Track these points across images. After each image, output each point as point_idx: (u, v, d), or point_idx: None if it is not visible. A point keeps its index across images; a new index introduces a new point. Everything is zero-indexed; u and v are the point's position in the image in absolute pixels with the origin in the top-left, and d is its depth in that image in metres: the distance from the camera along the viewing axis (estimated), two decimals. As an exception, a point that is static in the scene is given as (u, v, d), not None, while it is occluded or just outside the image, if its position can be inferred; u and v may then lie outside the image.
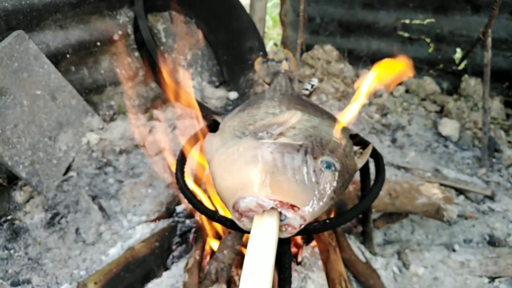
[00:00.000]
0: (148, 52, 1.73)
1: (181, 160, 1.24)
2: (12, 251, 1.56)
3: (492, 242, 1.69)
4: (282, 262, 1.01)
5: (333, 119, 1.15)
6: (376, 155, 1.25)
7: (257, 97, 1.27)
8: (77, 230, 1.59)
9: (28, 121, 1.69)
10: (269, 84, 1.51)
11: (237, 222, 0.82)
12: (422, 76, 2.82)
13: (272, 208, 0.76)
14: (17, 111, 1.65)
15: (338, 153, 0.90)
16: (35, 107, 1.73)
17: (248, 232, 0.77)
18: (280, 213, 0.77)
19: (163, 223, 1.60)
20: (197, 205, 1.06)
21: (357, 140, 1.28)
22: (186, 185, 1.13)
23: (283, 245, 1.00)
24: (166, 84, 1.85)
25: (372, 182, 1.15)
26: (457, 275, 1.53)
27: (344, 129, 1.09)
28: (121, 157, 1.95)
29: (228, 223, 0.98)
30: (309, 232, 0.96)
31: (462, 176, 2.00)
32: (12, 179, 1.79)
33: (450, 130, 2.32)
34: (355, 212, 1.03)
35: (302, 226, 0.80)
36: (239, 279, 1.33)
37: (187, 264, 1.35)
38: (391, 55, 2.78)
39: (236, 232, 1.28)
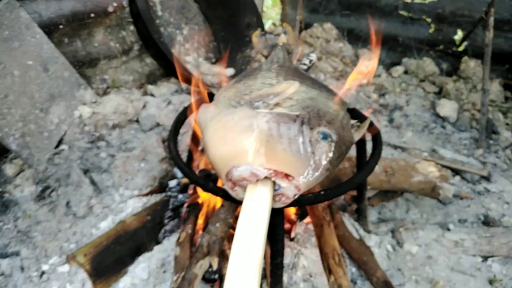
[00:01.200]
0: (144, 23, 1.69)
1: (174, 131, 1.21)
2: (1, 224, 1.53)
3: (487, 222, 1.68)
4: (275, 234, 0.99)
5: (330, 92, 1.12)
6: (373, 129, 1.22)
7: (254, 69, 1.23)
8: (67, 203, 1.57)
9: (19, 92, 1.65)
10: (266, 57, 1.48)
11: (230, 191, 0.80)
12: (422, 56, 2.78)
13: (266, 177, 0.74)
14: (7, 81, 1.61)
15: (335, 124, 0.87)
16: (26, 77, 1.68)
17: (241, 203, 0.75)
18: (274, 183, 0.75)
19: (156, 198, 1.58)
20: (190, 174, 1.03)
21: (354, 114, 1.25)
22: (178, 155, 1.11)
23: (276, 216, 0.98)
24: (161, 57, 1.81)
25: (368, 158, 1.13)
26: (451, 254, 1.53)
27: (342, 102, 1.06)
28: (114, 131, 1.91)
29: (221, 193, 0.96)
30: (303, 203, 0.94)
31: (459, 157, 1.98)
32: (2, 152, 1.75)
33: (448, 111, 2.30)
34: (351, 184, 1.01)
35: (296, 196, 0.78)
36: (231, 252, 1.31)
37: (179, 238, 1.34)
38: (391, 35, 2.75)
39: (228, 204, 1.26)
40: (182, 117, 1.30)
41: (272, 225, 1.00)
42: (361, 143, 1.35)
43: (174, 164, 1.11)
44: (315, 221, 1.20)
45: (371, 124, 1.24)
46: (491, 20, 2.04)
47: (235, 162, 0.75)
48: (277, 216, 0.98)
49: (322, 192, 0.95)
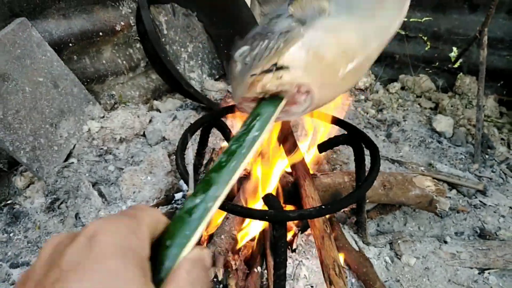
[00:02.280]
0: (150, 42, 1.76)
1: (181, 147, 1.27)
2: (11, 234, 1.59)
3: (483, 235, 1.73)
4: (278, 245, 1.04)
5: None
6: (372, 146, 1.29)
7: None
8: (76, 215, 1.62)
9: (30, 108, 1.72)
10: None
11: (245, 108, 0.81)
12: (418, 73, 2.86)
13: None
14: (19, 97, 1.67)
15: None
16: (37, 93, 1.75)
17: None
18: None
19: (162, 210, 1.63)
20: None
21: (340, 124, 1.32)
22: (186, 170, 1.17)
23: (280, 229, 1.03)
24: (167, 74, 1.88)
25: (367, 173, 1.18)
26: (448, 266, 1.57)
27: None
28: (121, 145, 1.97)
29: (227, 207, 1.01)
30: (306, 217, 1.00)
31: (455, 171, 2.04)
32: (13, 165, 1.81)
33: (444, 126, 2.36)
34: (351, 199, 1.07)
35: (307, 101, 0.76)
36: (235, 264, 1.36)
37: (185, 249, 1.38)
38: (388, 52, 2.82)
39: (233, 217, 1.32)
40: (189, 132, 1.37)
41: (275, 238, 1.05)
42: (360, 158, 1.41)
43: (182, 179, 1.17)
44: (316, 234, 1.25)
45: (369, 142, 1.31)
46: (485, 38, 2.12)
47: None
48: (279, 229, 1.03)
49: (323, 206, 1.01)
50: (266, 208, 1.15)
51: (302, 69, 0.73)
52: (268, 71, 0.73)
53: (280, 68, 0.73)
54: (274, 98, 0.75)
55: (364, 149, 1.34)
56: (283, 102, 0.74)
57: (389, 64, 2.96)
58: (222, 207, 1.05)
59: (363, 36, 0.78)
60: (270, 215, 1.00)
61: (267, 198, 1.11)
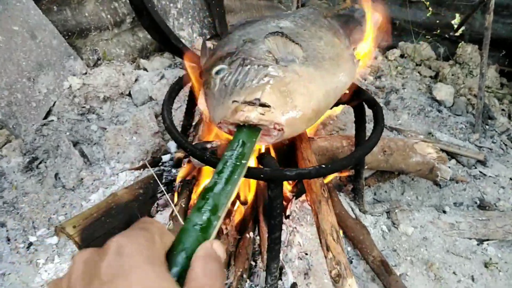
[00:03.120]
0: (137, -9, 1.61)
1: (168, 100, 1.16)
2: (-14, 194, 1.48)
3: (483, 206, 1.67)
4: (273, 207, 0.96)
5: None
6: (374, 105, 1.19)
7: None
8: (56, 175, 1.51)
9: (4, 59, 1.58)
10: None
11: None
12: (419, 40, 2.75)
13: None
14: (-8, 47, 1.54)
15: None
16: (12, 43, 1.61)
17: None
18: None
19: (148, 172, 1.53)
20: (185, 144, 0.99)
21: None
22: (173, 124, 1.06)
23: (275, 189, 0.94)
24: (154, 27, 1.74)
25: (370, 134, 1.10)
26: (446, 236, 1.52)
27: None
28: (104, 104, 1.85)
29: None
30: (304, 176, 0.91)
31: (455, 140, 1.96)
32: (-13, 121, 1.68)
33: (445, 95, 2.28)
34: (353, 159, 0.98)
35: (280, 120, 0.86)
36: (226, 229, 1.28)
37: (172, 212, 1.30)
38: (388, 18, 2.70)
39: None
40: (176, 86, 1.26)
41: (269, 199, 0.96)
42: (360, 120, 1.32)
43: (169, 134, 1.07)
44: (313, 198, 1.17)
45: (372, 101, 1.22)
46: (492, 2, 2.01)
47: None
48: (275, 188, 0.94)
49: (323, 166, 0.92)
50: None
51: (280, 111, 0.86)
52: (251, 103, 0.86)
53: (263, 105, 0.85)
54: (252, 126, 0.86)
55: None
56: (260, 133, 0.87)
57: (388, 30, 2.84)
58: (213, 165, 0.96)
59: (326, 90, 0.96)
60: (265, 174, 0.91)
61: (262, 156, 1.02)
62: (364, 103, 1.27)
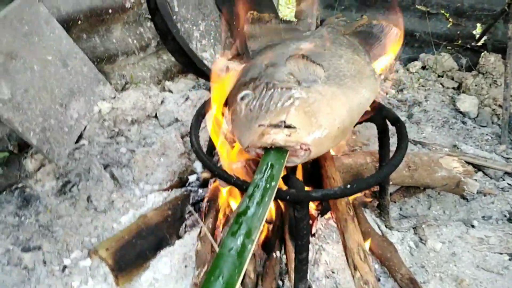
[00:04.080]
0: (161, 17, 1.68)
1: (195, 124, 1.20)
2: (23, 218, 1.54)
3: (512, 219, 1.65)
4: (300, 228, 0.98)
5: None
6: (397, 122, 1.20)
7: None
8: (88, 198, 1.57)
9: (39, 87, 1.66)
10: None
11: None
12: (440, 52, 2.73)
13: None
14: (27, 76, 1.62)
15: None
16: (46, 72, 1.69)
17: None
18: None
19: (176, 192, 1.57)
20: (212, 167, 1.03)
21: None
22: (200, 148, 1.10)
23: (302, 210, 0.96)
24: (179, 52, 1.80)
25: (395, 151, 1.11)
26: (475, 251, 1.49)
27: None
28: (133, 127, 1.92)
29: (245, 186, 0.95)
30: (330, 197, 0.93)
31: (481, 153, 1.94)
32: (23, 147, 1.76)
33: (469, 106, 2.25)
34: (378, 177, 0.99)
35: (305, 143, 0.88)
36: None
37: (200, 232, 1.33)
38: (408, 30, 2.71)
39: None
40: (202, 110, 1.30)
41: (296, 220, 0.99)
42: (383, 137, 1.33)
43: (197, 158, 1.10)
44: (338, 216, 1.18)
45: (395, 118, 1.23)
46: (515, 12, 1.99)
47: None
48: (301, 210, 0.96)
49: (348, 186, 0.94)
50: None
51: (306, 131, 0.88)
52: (277, 126, 0.88)
53: (289, 126, 0.88)
54: (279, 148, 0.89)
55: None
56: (287, 155, 0.89)
57: (409, 43, 2.84)
58: (239, 187, 0.99)
59: (349, 107, 0.98)
60: (291, 195, 0.93)
61: (288, 177, 1.04)
62: (387, 120, 1.28)
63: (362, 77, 1.13)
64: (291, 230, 1.31)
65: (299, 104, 0.94)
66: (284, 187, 1.12)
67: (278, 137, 0.87)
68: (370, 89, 1.10)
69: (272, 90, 1.01)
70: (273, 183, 0.83)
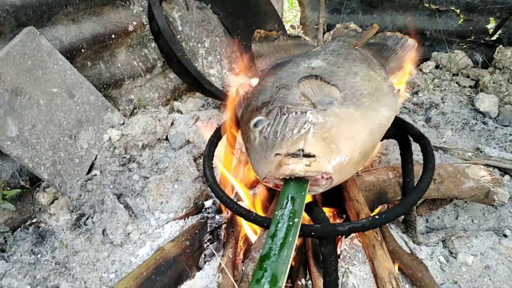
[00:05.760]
0: (165, 41, 1.64)
1: (208, 155, 1.15)
2: (39, 256, 1.51)
3: (546, 225, 1.56)
4: (328, 263, 0.92)
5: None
6: (421, 139, 1.14)
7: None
8: (103, 231, 1.53)
9: (46, 121, 1.63)
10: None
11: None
12: (453, 49, 2.65)
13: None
14: (34, 111, 1.59)
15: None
16: (52, 105, 1.66)
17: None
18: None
19: (192, 220, 1.52)
20: (230, 204, 0.97)
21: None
22: (215, 181, 1.05)
23: (328, 245, 0.90)
24: (185, 74, 1.76)
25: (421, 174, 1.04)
26: (510, 263, 1.42)
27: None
28: (144, 152, 1.88)
29: (266, 223, 0.89)
30: (357, 230, 0.87)
31: (507, 155, 1.86)
32: (35, 181, 1.74)
33: (488, 105, 2.17)
34: (407, 205, 0.93)
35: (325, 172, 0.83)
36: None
37: (220, 263, 1.28)
38: (418, 29, 2.63)
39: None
40: (214, 139, 1.25)
41: (323, 255, 0.93)
42: (406, 155, 1.26)
43: (213, 193, 1.05)
44: (366, 242, 1.12)
45: (419, 134, 1.16)
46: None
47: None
48: (328, 245, 0.90)
49: (377, 217, 0.88)
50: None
51: (326, 159, 0.83)
52: (295, 155, 0.83)
53: (308, 155, 0.83)
54: (298, 178, 0.83)
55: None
56: (308, 185, 0.84)
57: (420, 42, 2.77)
58: (260, 224, 0.93)
59: (370, 129, 0.92)
60: (317, 231, 0.88)
61: (310, 208, 0.98)
62: (409, 136, 1.21)
63: (380, 95, 1.07)
64: (315, 254, 1.25)
65: (316, 130, 0.89)
66: (306, 217, 1.07)
67: (297, 167, 0.82)
68: (390, 107, 1.04)
69: (286, 115, 0.96)
70: (295, 220, 0.78)
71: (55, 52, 1.69)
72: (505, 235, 1.52)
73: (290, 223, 0.77)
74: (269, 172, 0.86)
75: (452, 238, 1.50)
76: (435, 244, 1.49)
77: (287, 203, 0.80)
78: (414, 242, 1.48)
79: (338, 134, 0.88)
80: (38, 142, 1.59)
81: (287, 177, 0.85)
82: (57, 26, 1.79)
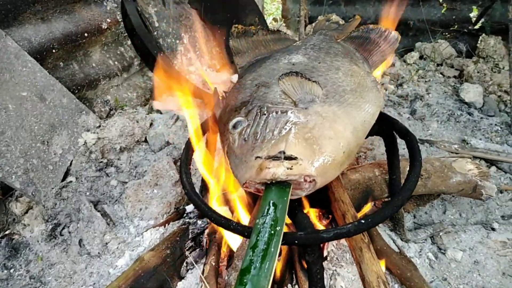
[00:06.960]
0: (139, 38, 1.57)
1: (185, 160, 1.09)
2: (12, 270, 1.44)
3: (535, 216, 1.54)
4: (313, 272, 0.87)
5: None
6: (407, 136, 1.09)
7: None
8: (80, 241, 1.46)
9: (16, 127, 1.55)
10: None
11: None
12: (436, 39, 2.62)
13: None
14: (2, 117, 1.50)
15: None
16: (22, 110, 1.58)
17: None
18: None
19: (173, 226, 1.46)
20: (208, 213, 0.92)
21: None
22: (193, 189, 0.99)
23: (313, 253, 0.85)
24: (162, 72, 1.69)
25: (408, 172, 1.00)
26: (499, 257, 1.40)
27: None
28: (122, 155, 1.80)
29: (246, 233, 0.84)
30: (343, 236, 0.82)
31: (493, 146, 1.83)
32: (7, 190, 1.65)
33: (473, 95, 2.15)
34: (395, 207, 0.88)
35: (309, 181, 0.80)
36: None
37: (203, 272, 1.22)
38: (401, 20, 2.59)
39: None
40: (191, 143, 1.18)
41: (308, 264, 0.88)
42: (392, 151, 1.22)
43: (190, 201, 1.00)
44: (353, 245, 1.08)
45: (404, 130, 1.12)
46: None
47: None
48: (312, 253, 0.85)
49: (363, 221, 0.83)
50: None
51: (309, 161, 0.78)
52: (276, 158, 0.79)
53: (289, 158, 0.78)
54: (280, 182, 0.79)
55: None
56: (291, 189, 0.80)
57: (403, 32, 2.73)
58: (241, 234, 0.88)
59: (353, 127, 0.88)
60: (300, 239, 0.82)
61: (293, 213, 0.93)
62: (394, 132, 1.17)
63: (364, 91, 1.02)
64: (301, 259, 1.20)
65: (298, 130, 0.84)
66: (289, 221, 1.02)
67: (279, 171, 0.78)
68: (373, 103, 1.00)
69: (266, 114, 0.90)
70: (277, 228, 0.73)
71: (23, 54, 1.60)
72: (493, 229, 1.49)
73: (272, 232, 0.72)
74: (249, 177, 0.81)
75: (441, 234, 1.47)
76: (423, 241, 1.46)
77: (268, 209, 0.76)
78: (402, 240, 1.44)
79: (321, 133, 0.84)
80: (8, 150, 1.51)
81: (269, 182, 0.80)
82: (25, 25, 1.69)
